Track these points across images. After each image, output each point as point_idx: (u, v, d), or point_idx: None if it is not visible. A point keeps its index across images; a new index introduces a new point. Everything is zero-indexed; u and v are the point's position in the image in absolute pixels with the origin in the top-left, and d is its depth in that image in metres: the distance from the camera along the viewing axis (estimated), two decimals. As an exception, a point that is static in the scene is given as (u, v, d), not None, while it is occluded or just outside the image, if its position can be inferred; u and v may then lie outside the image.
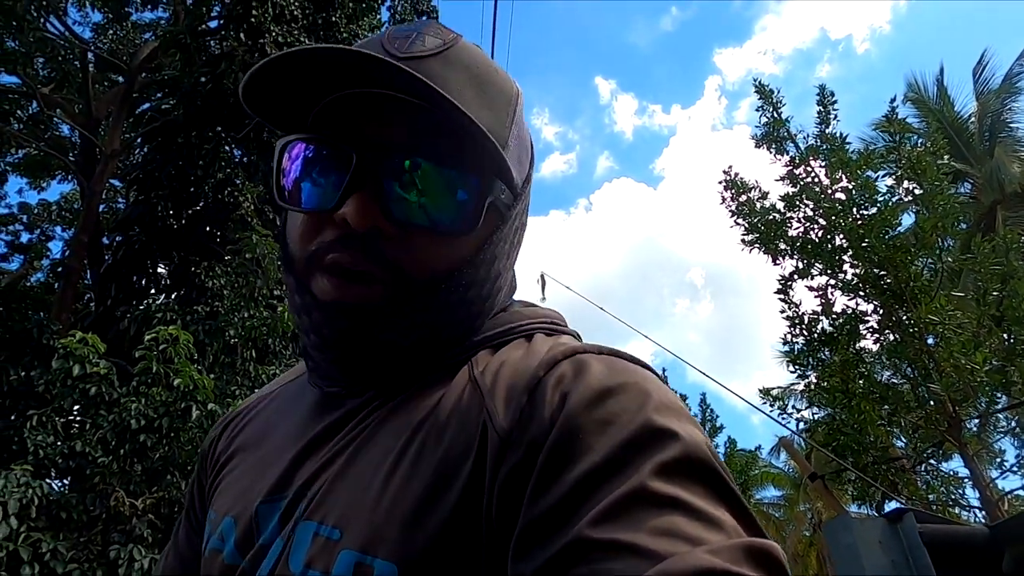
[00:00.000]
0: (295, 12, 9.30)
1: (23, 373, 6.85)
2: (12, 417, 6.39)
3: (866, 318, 7.13)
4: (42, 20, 9.28)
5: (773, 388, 7.54)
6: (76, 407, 5.94)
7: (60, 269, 11.63)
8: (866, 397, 6.55)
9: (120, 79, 10.65)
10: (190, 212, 10.10)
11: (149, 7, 10.71)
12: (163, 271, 10.97)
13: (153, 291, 10.67)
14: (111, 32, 11.26)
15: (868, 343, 7.23)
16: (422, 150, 0.56)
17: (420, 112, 0.56)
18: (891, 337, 6.97)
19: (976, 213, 11.63)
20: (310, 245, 0.59)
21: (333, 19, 9.82)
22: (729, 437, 24.78)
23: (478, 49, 0.65)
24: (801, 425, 7.71)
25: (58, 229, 12.99)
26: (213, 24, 10.30)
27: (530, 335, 0.64)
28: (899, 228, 7.11)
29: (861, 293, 7.15)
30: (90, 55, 10.35)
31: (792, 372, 7.45)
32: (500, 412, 0.52)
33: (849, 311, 7.19)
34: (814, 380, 7.26)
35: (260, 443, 0.69)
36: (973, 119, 13.19)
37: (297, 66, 0.56)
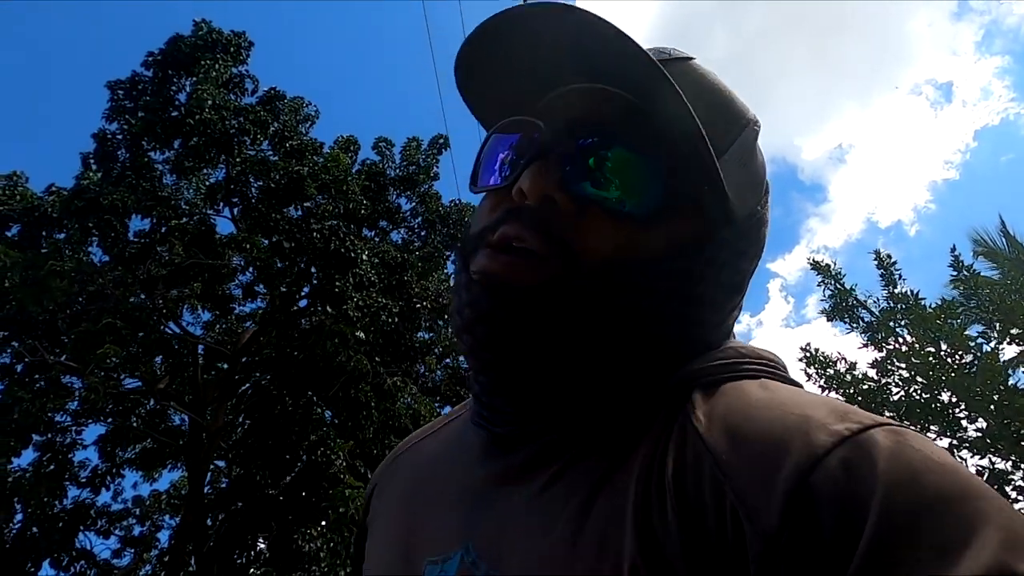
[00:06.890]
0: (372, 278, 10.41)
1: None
2: None
3: (1009, 477, 6.33)
4: (161, 325, 10.66)
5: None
6: None
7: (167, 559, 11.83)
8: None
9: (224, 365, 11.78)
10: (287, 479, 10.45)
11: (249, 299, 12.22)
12: (262, 545, 11.09)
13: (252, 570, 10.69)
14: (218, 327, 12.74)
15: (1021, 505, 6.32)
16: (618, 133, 0.53)
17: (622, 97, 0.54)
18: (1045, 492, 6.10)
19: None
20: (482, 223, 0.56)
21: (405, 278, 10.93)
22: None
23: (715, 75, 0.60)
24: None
25: (167, 518, 13.43)
26: (303, 303, 11.57)
27: (754, 378, 0.52)
28: (1010, 373, 6.60)
29: (993, 449, 6.44)
30: (200, 347, 11.63)
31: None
32: (755, 502, 0.40)
33: (986, 472, 6.42)
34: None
35: (419, 490, 0.61)
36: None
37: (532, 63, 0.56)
